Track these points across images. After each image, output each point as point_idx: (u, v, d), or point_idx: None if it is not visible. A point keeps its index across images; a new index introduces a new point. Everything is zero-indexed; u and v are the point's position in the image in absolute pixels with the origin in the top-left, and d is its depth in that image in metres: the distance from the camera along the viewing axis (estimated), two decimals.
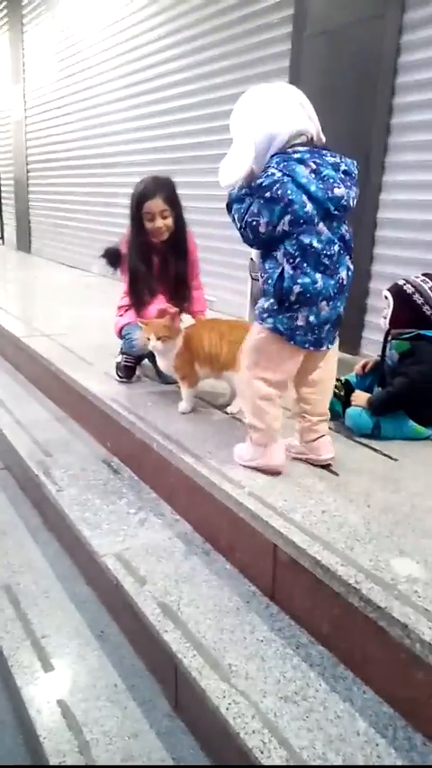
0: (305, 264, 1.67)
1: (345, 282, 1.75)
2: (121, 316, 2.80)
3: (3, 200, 9.07)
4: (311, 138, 1.74)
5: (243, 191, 1.73)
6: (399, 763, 1.23)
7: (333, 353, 1.89)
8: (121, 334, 2.78)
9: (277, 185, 1.63)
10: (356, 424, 2.19)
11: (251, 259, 3.35)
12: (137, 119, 5.40)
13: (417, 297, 2.19)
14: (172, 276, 2.64)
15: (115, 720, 1.53)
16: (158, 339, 2.26)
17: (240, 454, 1.97)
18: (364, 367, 2.42)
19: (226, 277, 4.41)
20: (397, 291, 2.24)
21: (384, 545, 1.53)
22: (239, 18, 3.99)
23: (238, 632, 1.56)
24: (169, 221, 2.54)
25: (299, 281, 1.67)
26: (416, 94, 2.91)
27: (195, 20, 4.40)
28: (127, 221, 2.59)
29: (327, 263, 1.69)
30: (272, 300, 1.74)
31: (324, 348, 1.81)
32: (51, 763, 1.41)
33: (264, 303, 1.78)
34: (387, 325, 2.27)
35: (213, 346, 2.27)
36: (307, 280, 1.67)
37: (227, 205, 1.79)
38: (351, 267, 1.78)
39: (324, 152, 1.71)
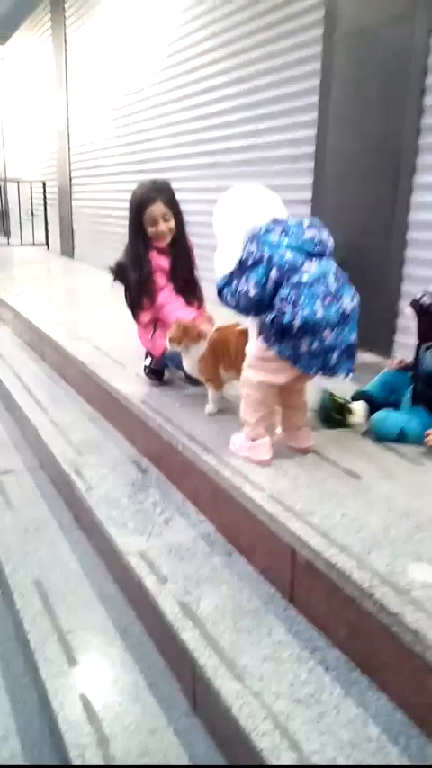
0: (302, 298, 1.76)
1: (349, 312, 1.82)
2: (150, 329, 2.75)
3: (47, 207, 9.30)
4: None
5: (227, 276, 1.89)
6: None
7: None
8: (162, 356, 2.73)
9: (254, 251, 1.81)
10: (381, 429, 2.17)
11: None
12: (176, 123, 5.47)
13: None
14: (183, 277, 2.67)
15: (134, 716, 1.57)
16: (180, 344, 2.33)
17: (234, 442, 2.11)
18: (399, 363, 2.39)
19: None
20: (415, 304, 2.22)
21: (402, 550, 1.52)
22: (274, 22, 3.99)
23: (256, 634, 1.57)
24: (172, 224, 2.57)
25: (299, 314, 1.76)
26: None
27: (233, 23, 4.43)
28: None
29: (323, 291, 1.78)
30: (273, 332, 1.84)
31: (341, 375, 1.89)
32: (70, 755, 1.45)
33: (264, 333, 1.88)
34: (418, 339, 2.24)
35: (239, 351, 2.28)
36: (306, 311, 1.76)
37: (218, 293, 1.93)
38: (356, 297, 1.85)
39: (282, 220, 1.89)
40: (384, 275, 3.20)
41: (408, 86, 2.97)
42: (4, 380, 3.67)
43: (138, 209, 2.56)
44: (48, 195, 9.24)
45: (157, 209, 2.54)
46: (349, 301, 1.83)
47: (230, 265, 1.88)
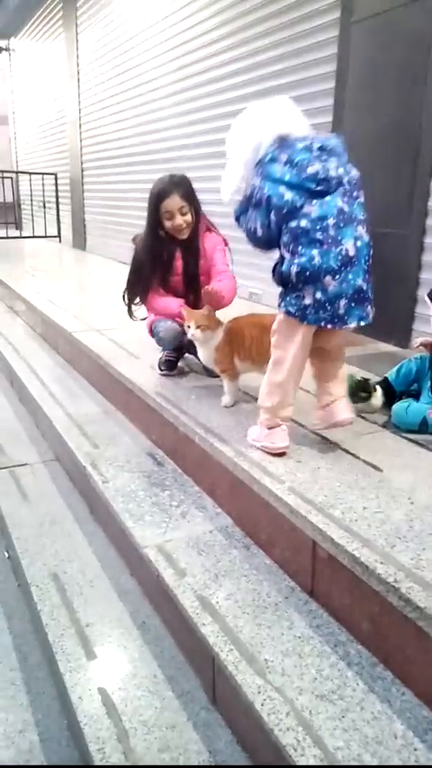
0: (299, 246, 1.72)
1: (352, 254, 1.74)
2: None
3: (59, 199, 9.29)
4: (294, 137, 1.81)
5: (243, 204, 1.86)
6: None
7: (340, 336, 1.92)
8: (151, 331, 2.81)
9: (257, 191, 1.77)
10: (403, 420, 2.13)
11: None
12: (189, 112, 5.42)
13: None
14: (190, 275, 2.65)
15: (154, 710, 1.55)
16: (198, 327, 2.29)
17: (250, 433, 2.06)
18: (424, 341, 2.33)
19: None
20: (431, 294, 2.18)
21: (427, 543, 1.48)
22: (288, 6, 3.92)
23: (276, 628, 1.55)
24: (188, 217, 2.55)
25: (295, 261, 1.73)
26: None
27: (244, 10, 4.37)
28: None
29: (320, 237, 1.71)
30: (279, 287, 1.83)
31: (352, 324, 1.81)
32: (90, 749, 1.44)
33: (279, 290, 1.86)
34: None
35: (255, 341, 2.25)
36: (303, 258, 1.72)
37: (236, 218, 1.90)
38: (361, 236, 1.77)
39: (296, 140, 1.78)
40: (403, 263, 3.15)
41: (428, 69, 2.91)
42: (19, 373, 3.67)
43: (155, 203, 2.54)
44: (59, 187, 9.23)
45: (174, 202, 2.52)
46: (351, 244, 1.74)
47: (230, 188, 1.84)
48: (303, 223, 1.72)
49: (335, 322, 1.78)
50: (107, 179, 7.53)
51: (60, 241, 9.50)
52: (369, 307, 1.82)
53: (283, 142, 1.80)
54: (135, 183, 6.59)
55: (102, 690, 1.60)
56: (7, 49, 11.58)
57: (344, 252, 1.73)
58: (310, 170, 1.72)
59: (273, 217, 1.74)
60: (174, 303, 2.62)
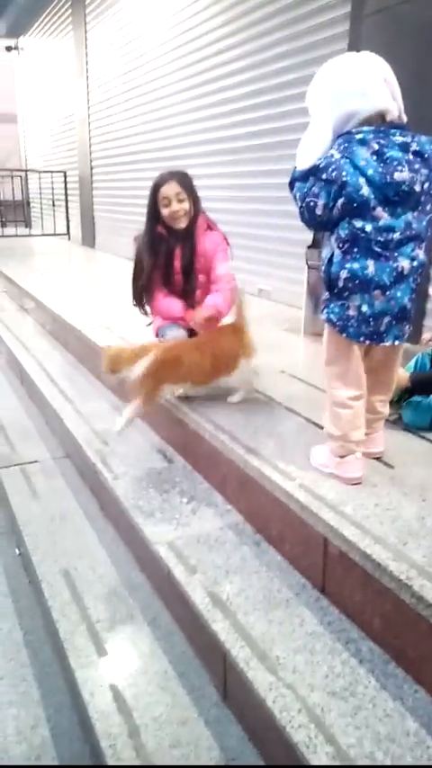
0: (355, 249, 1.62)
1: (406, 271, 1.64)
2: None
3: (68, 197, 9.31)
4: (389, 118, 1.62)
5: (305, 172, 1.64)
6: None
7: (391, 358, 1.80)
8: (158, 336, 2.76)
9: (333, 166, 1.57)
10: (414, 419, 2.11)
11: (307, 247, 3.31)
12: (197, 110, 5.40)
13: None
14: (186, 270, 2.62)
15: (165, 706, 1.55)
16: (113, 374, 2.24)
17: (316, 456, 1.89)
18: None
19: (281, 266, 4.36)
20: None
21: None
22: (297, 1, 3.90)
23: (287, 625, 1.55)
24: (186, 205, 2.54)
25: (347, 265, 1.63)
26: None
27: (253, 6, 4.35)
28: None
29: (379, 249, 1.61)
30: (325, 289, 1.70)
31: (388, 343, 1.71)
32: (102, 745, 1.44)
33: (323, 294, 1.73)
34: None
35: (195, 365, 2.26)
36: (356, 265, 1.62)
37: (290, 182, 1.69)
38: (419, 257, 1.66)
39: (394, 131, 1.60)
40: None
41: None
42: (29, 370, 3.68)
43: (153, 192, 2.56)
44: (69, 185, 9.24)
45: (171, 188, 2.52)
46: (408, 262, 1.63)
47: (320, 151, 1.61)
48: (368, 228, 1.59)
49: (373, 338, 1.69)
50: (116, 176, 7.53)
51: (69, 239, 9.52)
52: (408, 326, 1.73)
53: (378, 121, 1.61)
54: (144, 181, 6.59)
55: (113, 686, 1.61)
56: (16, 48, 11.60)
57: (399, 269, 1.63)
58: (398, 176, 1.57)
59: (339, 203, 1.59)
60: (176, 306, 2.61)
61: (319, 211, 1.62)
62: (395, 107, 1.63)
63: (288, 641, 1.49)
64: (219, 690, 1.59)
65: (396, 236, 1.62)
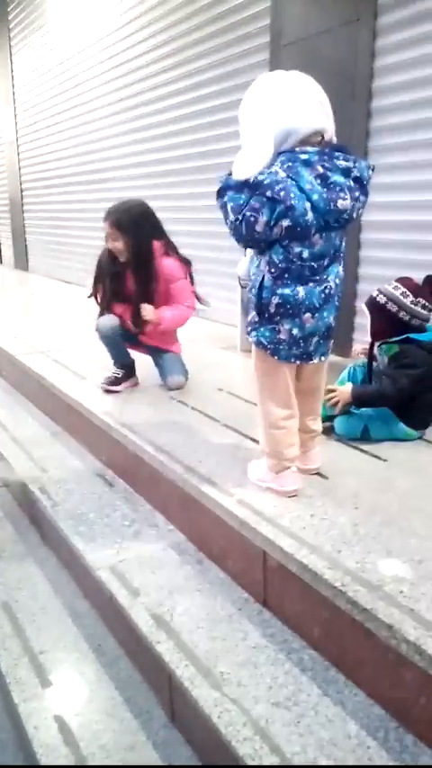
0: (286, 275, 1.62)
1: (332, 291, 1.69)
2: None
3: None
4: (323, 139, 1.62)
5: (240, 183, 1.57)
6: (390, 764, 1.23)
7: (322, 367, 1.85)
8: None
9: (280, 186, 1.53)
10: (345, 430, 2.19)
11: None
12: (128, 132, 5.45)
13: (391, 305, 2.14)
14: (131, 294, 2.70)
15: (112, 733, 1.54)
16: None
17: (254, 471, 1.91)
18: (363, 350, 2.36)
19: (215, 285, 4.43)
20: (371, 303, 2.20)
21: (372, 546, 1.53)
22: (220, 30, 4.03)
23: (231, 640, 1.57)
24: (119, 244, 2.60)
25: (278, 291, 1.64)
26: (393, 97, 2.93)
27: (180, 32, 4.45)
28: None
29: (309, 274, 1.63)
30: (253, 313, 1.71)
31: (315, 361, 1.77)
32: None
33: (250, 316, 1.74)
34: (370, 338, 2.26)
35: None
36: (287, 291, 1.63)
37: (220, 190, 1.61)
38: (341, 273, 1.72)
39: (337, 154, 1.59)
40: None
41: (354, 91, 3.04)
42: None
43: None
44: None
45: (106, 226, 2.62)
46: (333, 281, 1.67)
47: (261, 163, 1.55)
48: (305, 254, 1.60)
49: (303, 358, 1.73)
50: (48, 199, 7.47)
51: (1, 262, 9.34)
52: (331, 342, 1.79)
53: (316, 141, 1.59)
54: (76, 204, 6.57)
55: (58, 717, 1.58)
56: None
57: (327, 290, 1.67)
58: (341, 204, 1.57)
59: (282, 228, 1.56)
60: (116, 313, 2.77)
61: (258, 228, 1.56)
62: (331, 126, 1.63)
63: (232, 656, 1.51)
64: (166, 711, 1.60)
65: (326, 261, 1.65)
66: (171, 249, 2.71)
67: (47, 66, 6.90)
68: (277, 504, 1.76)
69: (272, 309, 1.66)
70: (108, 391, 2.79)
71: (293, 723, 1.32)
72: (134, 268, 2.67)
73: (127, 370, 2.85)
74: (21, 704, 1.63)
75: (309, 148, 1.58)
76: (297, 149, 1.58)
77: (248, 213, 1.56)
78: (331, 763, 1.23)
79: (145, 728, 1.56)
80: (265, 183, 1.54)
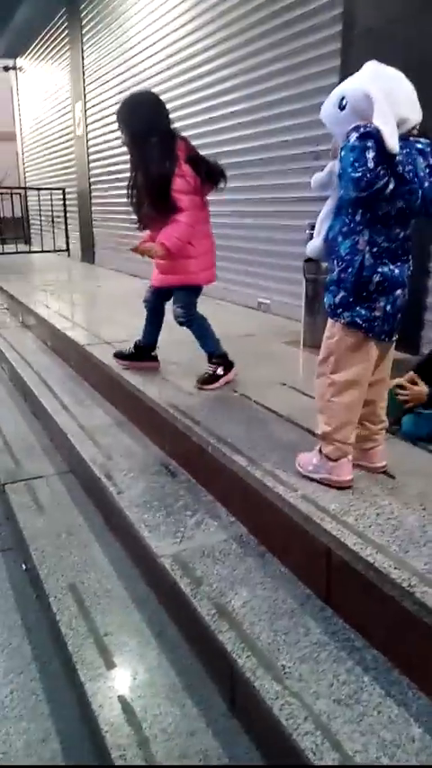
0: (384, 255, 1.68)
1: (411, 271, 1.77)
2: None
3: (67, 213, 9.40)
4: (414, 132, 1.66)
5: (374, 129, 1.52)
6: None
7: (390, 354, 1.86)
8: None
9: (410, 167, 1.58)
10: (412, 430, 2.15)
11: (304, 261, 3.35)
12: (192, 127, 5.48)
13: None
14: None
15: (173, 718, 1.57)
16: None
17: (304, 464, 1.91)
18: None
19: (280, 280, 4.41)
20: None
21: None
22: (291, 20, 3.99)
23: (293, 634, 1.57)
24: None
25: (379, 269, 1.68)
26: None
27: (248, 24, 4.44)
28: None
29: (401, 253, 1.71)
30: (343, 293, 1.71)
31: (394, 338, 1.81)
32: (112, 756, 1.46)
33: (335, 298, 1.73)
34: None
35: None
36: (386, 269, 1.68)
37: (364, 135, 1.52)
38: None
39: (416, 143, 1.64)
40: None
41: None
42: (32, 386, 3.72)
43: None
44: (68, 202, 9.34)
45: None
46: (410, 263, 1.77)
47: (393, 139, 1.50)
48: (401, 235, 1.69)
49: (390, 336, 1.78)
50: (115, 192, 7.61)
51: (69, 255, 9.60)
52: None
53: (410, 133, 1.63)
54: None
55: (122, 698, 1.63)
56: (14, 68, 11.77)
57: (409, 269, 1.76)
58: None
59: (395, 207, 1.62)
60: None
61: (385, 191, 1.56)
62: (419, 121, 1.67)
63: (293, 651, 1.51)
64: (226, 701, 1.62)
65: (410, 242, 1.74)
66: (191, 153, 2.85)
67: (115, 62, 7.02)
68: (342, 502, 1.74)
69: (371, 288, 1.70)
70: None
71: (355, 721, 1.32)
72: (134, 162, 2.83)
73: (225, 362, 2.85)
74: (86, 683, 1.68)
75: (422, 139, 1.65)
76: (412, 138, 1.63)
77: (383, 174, 1.53)
78: (394, 763, 1.22)
79: (205, 716, 1.58)
80: (398, 159, 1.56)
